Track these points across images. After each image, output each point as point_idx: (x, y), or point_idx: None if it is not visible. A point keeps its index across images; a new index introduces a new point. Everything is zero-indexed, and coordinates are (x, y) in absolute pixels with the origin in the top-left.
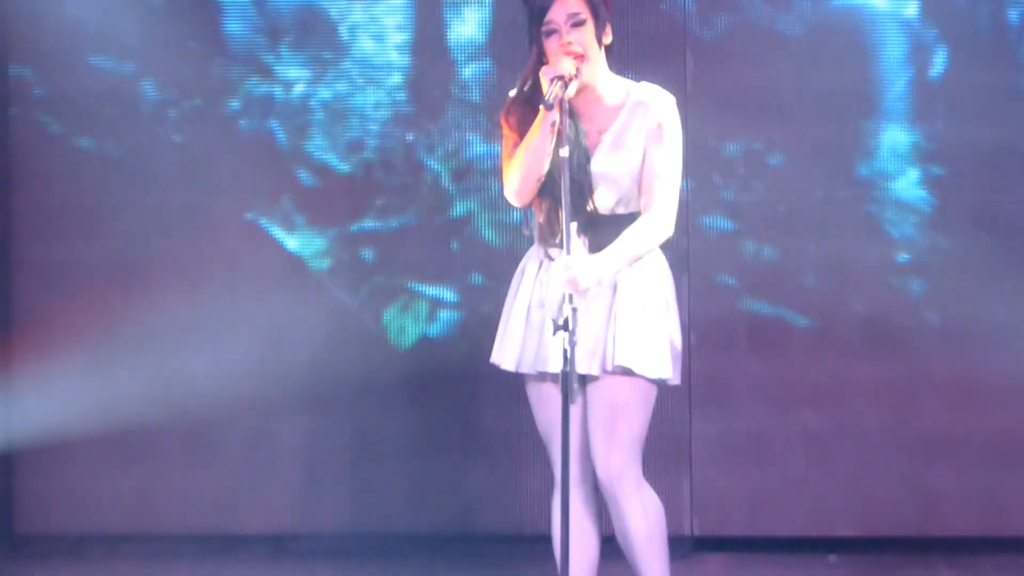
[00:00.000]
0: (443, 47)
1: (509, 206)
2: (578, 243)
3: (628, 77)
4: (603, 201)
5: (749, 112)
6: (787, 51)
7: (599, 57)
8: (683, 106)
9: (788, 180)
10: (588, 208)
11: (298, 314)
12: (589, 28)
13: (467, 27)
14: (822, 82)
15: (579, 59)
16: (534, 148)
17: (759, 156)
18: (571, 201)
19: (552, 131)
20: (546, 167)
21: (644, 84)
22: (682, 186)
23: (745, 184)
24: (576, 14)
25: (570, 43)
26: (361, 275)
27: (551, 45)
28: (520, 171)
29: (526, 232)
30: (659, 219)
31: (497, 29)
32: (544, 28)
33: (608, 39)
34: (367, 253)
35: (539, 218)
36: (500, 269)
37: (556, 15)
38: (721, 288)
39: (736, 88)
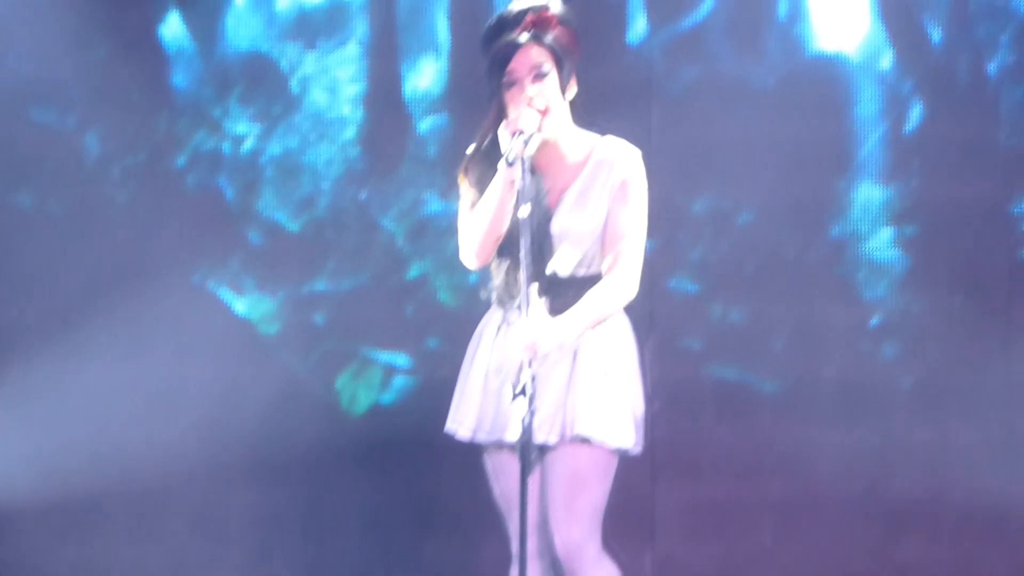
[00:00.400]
0: (398, 100)
1: (466, 267)
2: (538, 306)
3: (590, 129)
4: (564, 262)
5: (717, 168)
6: (757, 104)
7: (563, 111)
8: (647, 161)
9: (757, 239)
10: (548, 270)
11: (246, 380)
12: (553, 80)
13: (423, 79)
14: (793, 136)
15: (542, 114)
16: (493, 207)
17: (727, 214)
18: (531, 262)
19: (512, 189)
20: (505, 226)
21: (608, 139)
22: (646, 246)
23: (712, 244)
24: (539, 66)
25: (532, 97)
26: (312, 339)
27: (512, 98)
28: (478, 231)
29: (484, 294)
30: (622, 281)
31: (455, 81)
32: (505, 80)
33: (572, 91)
34: (318, 316)
35: (497, 280)
36: (457, 333)
37: (518, 66)
38: (686, 352)
39: (703, 142)
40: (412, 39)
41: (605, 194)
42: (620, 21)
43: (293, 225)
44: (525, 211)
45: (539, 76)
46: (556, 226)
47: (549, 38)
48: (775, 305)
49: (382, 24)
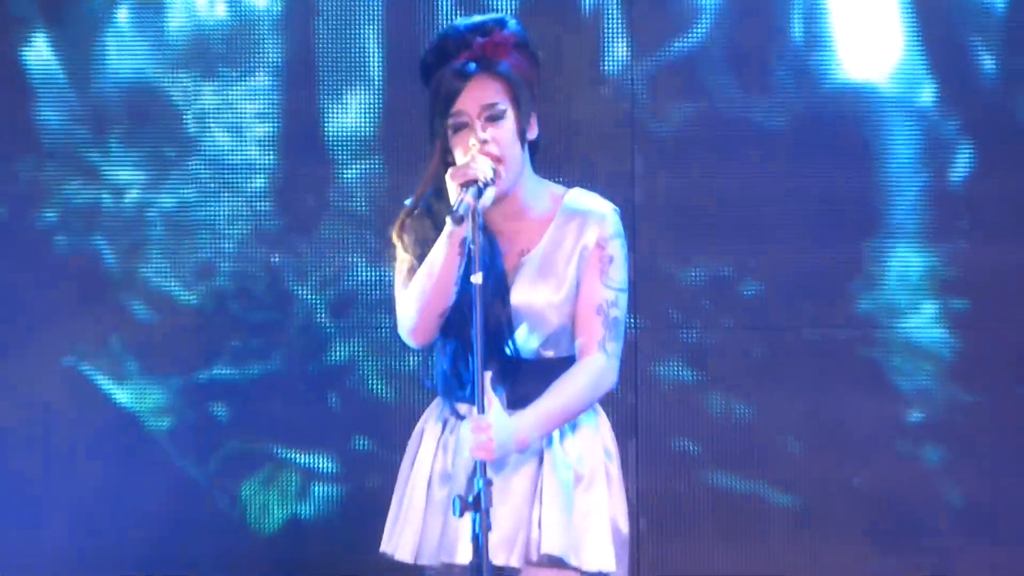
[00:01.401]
0: (318, 141)
1: (404, 348)
2: (494, 397)
3: (555, 180)
4: (526, 342)
5: (715, 226)
6: (766, 149)
7: (522, 157)
8: (629, 217)
9: (766, 316)
10: (507, 351)
11: (130, 486)
12: (509, 121)
13: (349, 116)
14: (811, 188)
15: (497, 161)
16: (437, 274)
17: (729, 285)
18: (485, 342)
19: (460, 252)
20: (452, 298)
21: (577, 191)
22: (628, 323)
23: (711, 321)
24: (493, 105)
25: (485, 141)
26: (212, 438)
27: (460, 142)
28: (419, 303)
29: (427, 382)
30: (598, 366)
31: (389, 119)
32: (451, 121)
33: (533, 133)
34: (220, 409)
35: (443, 364)
36: (392, 431)
37: (468, 105)
38: (679, 456)
39: (698, 195)
40: (336, 66)
41: (575, 258)
42: (594, 44)
43: (188, 296)
44: (477, 279)
45: (493, 117)
46: (516, 297)
47: (504, 67)
48: (790, 397)
49: (299, 47)
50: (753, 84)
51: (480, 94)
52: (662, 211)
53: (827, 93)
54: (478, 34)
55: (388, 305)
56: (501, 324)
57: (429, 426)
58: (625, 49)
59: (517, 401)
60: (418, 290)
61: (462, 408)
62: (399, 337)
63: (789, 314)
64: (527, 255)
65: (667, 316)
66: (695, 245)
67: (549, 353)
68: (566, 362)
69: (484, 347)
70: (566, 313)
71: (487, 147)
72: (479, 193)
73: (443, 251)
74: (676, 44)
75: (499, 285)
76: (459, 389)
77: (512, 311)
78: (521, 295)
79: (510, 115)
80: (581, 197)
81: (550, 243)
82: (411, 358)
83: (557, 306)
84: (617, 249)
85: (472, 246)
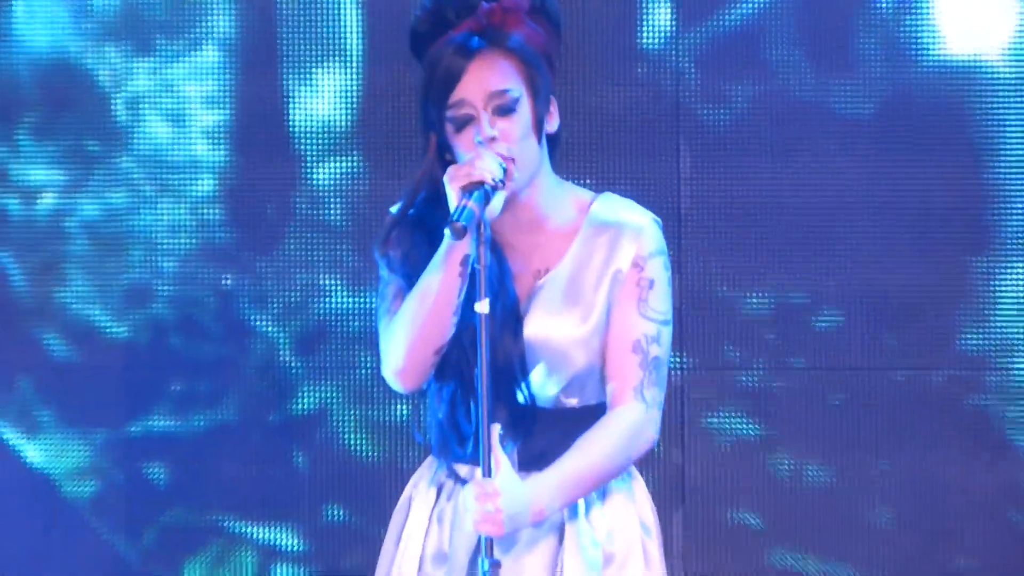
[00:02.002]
0: (281, 134)
1: (391, 394)
2: (502, 456)
3: (583, 185)
4: (543, 386)
5: (782, 241)
6: (846, 143)
7: (539, 154)
8: (673, 230)
9: (847, 354)
10: (520, 398)
11: (43, 568)
12: (524, 111)
13: (320, 100)
14: (904, 193)
15: (508, 161)
16: (432, 300)
17: (799, 314)
18: (492, 387)
19: (462, 272)
20: (451, 330)
21: (608, 197)
22: (671, 363)
23: (776, 360)
24: (503, 92)
25: (494, 138)
26: (147, 507)
27: (462, 137)
28: (409, 337)
29: (418, 437)
30: (634, 418)
31: (370, 107)
32: (451, 112)
33: (553, 125)
34: (156, 471)
35: (439, 413)
36: (373, 498)
37: (471, 92)
38: (736, 531)
39: (760, 202)
40: (305, 39)
41: (606, 281)
42: (630, 11)
43: (117, 328)
44: (483, 307)
45: (504, 109)
46: (531, 329)
47: (517, 41)
48: (878, 456)
49: (258, 15)
50: (830, 61)
51: (487, 77)
52: (714, 221)
53: (924, 73)
54: None
55: (369, 339)
56: (512, 363)
57: (420, 492)
58: (668, 17)
59: (532, 461)
60: (408, 320)
61: (462, 470)
62: (383, 379)
63: (875, 351)
64: (545, 276)
65: (721, 354)
66: (756, 264)
67: (572, 401)
68: (594, 412)
69: (491, 393)
70: (594, 350)
71: (495, 145)
72: (485, 199)
73: (440, 271)
74: (732, 10)
75: (510, 314)
76: (458, 446)
77: (526, 347)
78: (537, 327)
79: (524, 103)
80: (613, 205)
81: (574, 262)
82: (398, 406)
83: (583, 341)
84: (658, 270)
85: (477, 265)
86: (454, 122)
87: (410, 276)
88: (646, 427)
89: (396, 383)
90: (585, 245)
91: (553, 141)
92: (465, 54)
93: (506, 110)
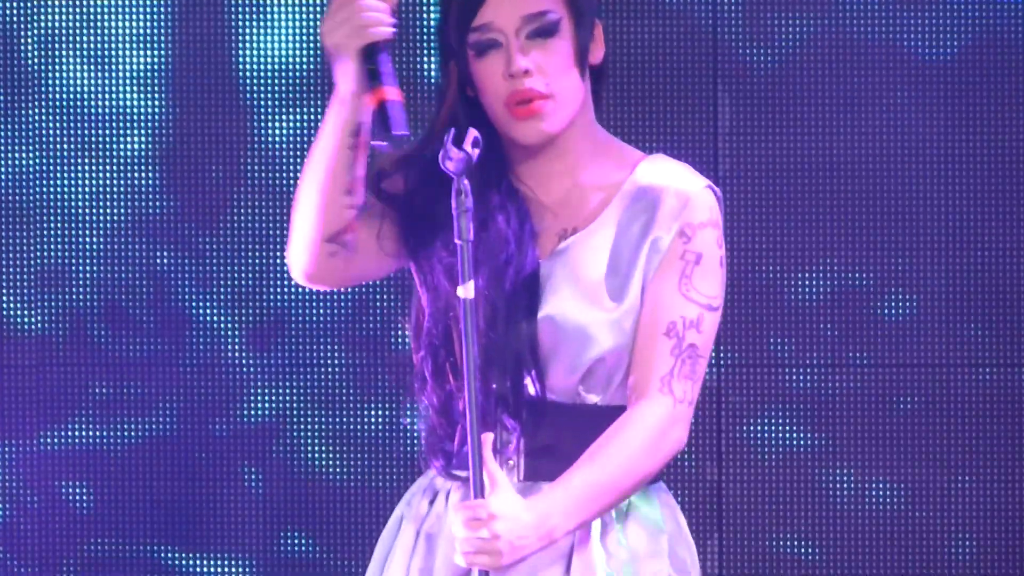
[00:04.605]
0: (229, 79)
1: (361, 397)
2: (498, 471)
3: (626, 139)
4: (559, 376)
5: (842, 211)
6: (920, 93)
7: (582, 93)
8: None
9: (920, 348)
10: (530, 389)
11: None
12: (565, 37)
13: (276, 40)
14: (989, 154)
15: (544, 100)
16: (319, 175)
17: (863, 300)
18: (497, 373)
19: (353, 143)
20: (346, 212)
21: (658, 159)
22: (713, 355)
23: (835, 356)
24: (542, 14)
25: (527, 71)
26: (66, 535)
27: (484, 67)
28: (297, 216)
29: (404, 421)
30: (660, 416)
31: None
32: (474, 37)
33: (599, 55)
34: (77, 491)
35: (432, 399)
36: (340, 522)
37: (500, 16)
38: (783, 559)
39: (816, 163)
40: None
41: (644, 252)
42: None
43: (28, 318)
44: (467, 291)
45: (540, 32)
46: (549, 302)
47: None
48: (954, 470)
49: None
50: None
51: (520, 1)
52: (758, 186)
53: (1015, 11)
54: None
55: (335, 332)
56: (522, 344)
57: (411, 508)
58: None
59: (540, 470)
60: (298, 199)
61: (452, 483)
62: (352, 381)
63: (954, 345)
64: (571, 238)
65: (766, 348)
66: (809, 239)
67: (594, 397)
68: (613, 411)
69: (478, 392)
70: (625, 333)
71: (529, 79)
72: (476, 144)
73: (324, 141)
74: None
75: (524, 284)
76: (450, 440)
77: (541, 324)
78: (556, 301)
79: (565, 28)
80: (663, 167)
81: (609, 227)
82: (370, 413)
83: (612, 322)
84: (709, 244)
85: (459, 240)
86: (476, 47)
87: (408, 216)
88: (673, 425)
89: (292, 271)
90: (624, 209)
91: (598, 75)
92: None
93: (544, 34)
